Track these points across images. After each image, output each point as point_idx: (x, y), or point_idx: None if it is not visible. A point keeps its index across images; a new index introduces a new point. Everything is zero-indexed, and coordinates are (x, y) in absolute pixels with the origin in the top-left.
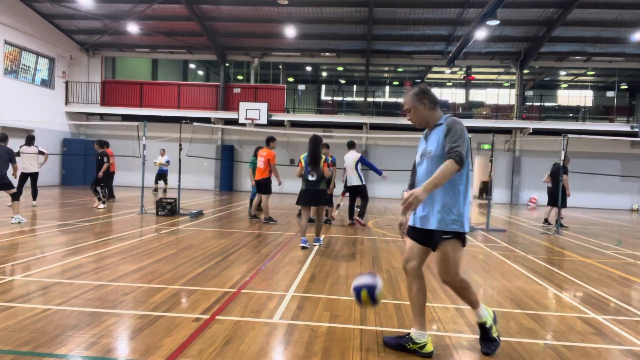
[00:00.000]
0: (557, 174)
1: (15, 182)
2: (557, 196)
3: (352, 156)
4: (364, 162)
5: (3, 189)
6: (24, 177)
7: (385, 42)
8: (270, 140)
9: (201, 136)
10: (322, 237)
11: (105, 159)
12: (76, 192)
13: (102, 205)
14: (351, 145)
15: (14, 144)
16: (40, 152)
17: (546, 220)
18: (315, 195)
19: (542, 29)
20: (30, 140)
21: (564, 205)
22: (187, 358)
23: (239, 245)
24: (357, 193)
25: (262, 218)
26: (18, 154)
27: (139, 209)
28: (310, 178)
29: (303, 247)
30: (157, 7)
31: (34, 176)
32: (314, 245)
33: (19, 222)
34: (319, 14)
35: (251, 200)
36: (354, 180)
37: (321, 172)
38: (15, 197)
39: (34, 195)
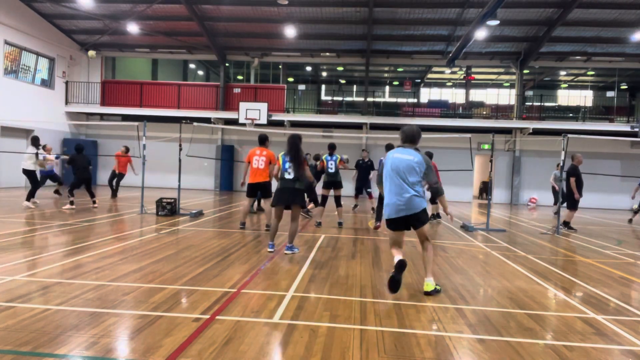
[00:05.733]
0: (568, 174)
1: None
2: (567, 197)
3: None
4: None
5: None
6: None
7: (385, 42)
8: (266, 139)
9: (201, 136)
10: (297, 247)
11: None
12: (76, 192)
13: (95, 205)
14: (390, 148)
15: (15, 143)
16: (36, 155)
17: (566, 224)
18: (291, 194)
19: (542, 29)
20: (35, 141)
21: (572, 207)
22: (187, 358)
23: (239, 245)
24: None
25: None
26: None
27: (139, 209)
28: (287, 176)
29: (269, 252)
30: (157, 7)
31: (31, 174)
32: (286, 253)
33: None
34: (319, 14)
35: (258, 200)
36: None
37: (301, 171)
38: None
39: (30, 195)
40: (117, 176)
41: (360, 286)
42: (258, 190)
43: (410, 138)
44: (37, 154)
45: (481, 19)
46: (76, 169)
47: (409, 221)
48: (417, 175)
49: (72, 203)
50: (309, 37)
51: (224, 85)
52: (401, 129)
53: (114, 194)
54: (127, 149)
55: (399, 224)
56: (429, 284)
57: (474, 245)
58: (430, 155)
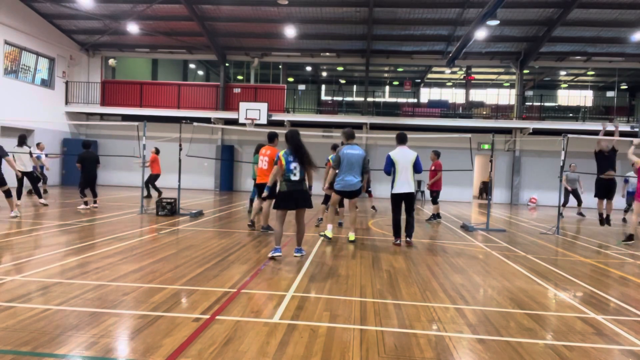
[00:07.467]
0: None
1: (10, 177)
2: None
3: (409, 155)
4: (418, 165)
5: None
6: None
7: (385, 42)
8: (275, 137)
9: (201, 136)
10: (305, 247)
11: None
12: (76, 192)
13: (95, 205)
14: (403, 140)
15: (15, 144)
16: (30, 154)
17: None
18: (300, 198)
19: (542, 29)
20: (22, 140)
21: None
22: (187, 358)
23: (239, 245)
24: (409, 202)
25: (260, 225)
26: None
27: (139, 209)
28: (293, 178)
29: (272, 258)
30: (157, 7)
31: (28, 175)
32: (295, 256)
33: (16, 216)
34: (319, 14)
35: (251, 200)
36: (407, 186)
37: (309, 171)
38: (8, 194)
39: (37, 194)
40: (150, 177)
41: (360, 286)
42: None
43: (351, 136)
44: (30, 153)
45: (481, 19)
46: (84, 167)
47: (351, 194)
48: (361, 165)
49: (86, 203)
50: (309, 37)
51: (224, 85)
52: (342, 130)
53: (158, 193)
54: (157, 150)
55: (344, 194)
56: (352, 236)
57: (474, 245)
58: (438, 154)
